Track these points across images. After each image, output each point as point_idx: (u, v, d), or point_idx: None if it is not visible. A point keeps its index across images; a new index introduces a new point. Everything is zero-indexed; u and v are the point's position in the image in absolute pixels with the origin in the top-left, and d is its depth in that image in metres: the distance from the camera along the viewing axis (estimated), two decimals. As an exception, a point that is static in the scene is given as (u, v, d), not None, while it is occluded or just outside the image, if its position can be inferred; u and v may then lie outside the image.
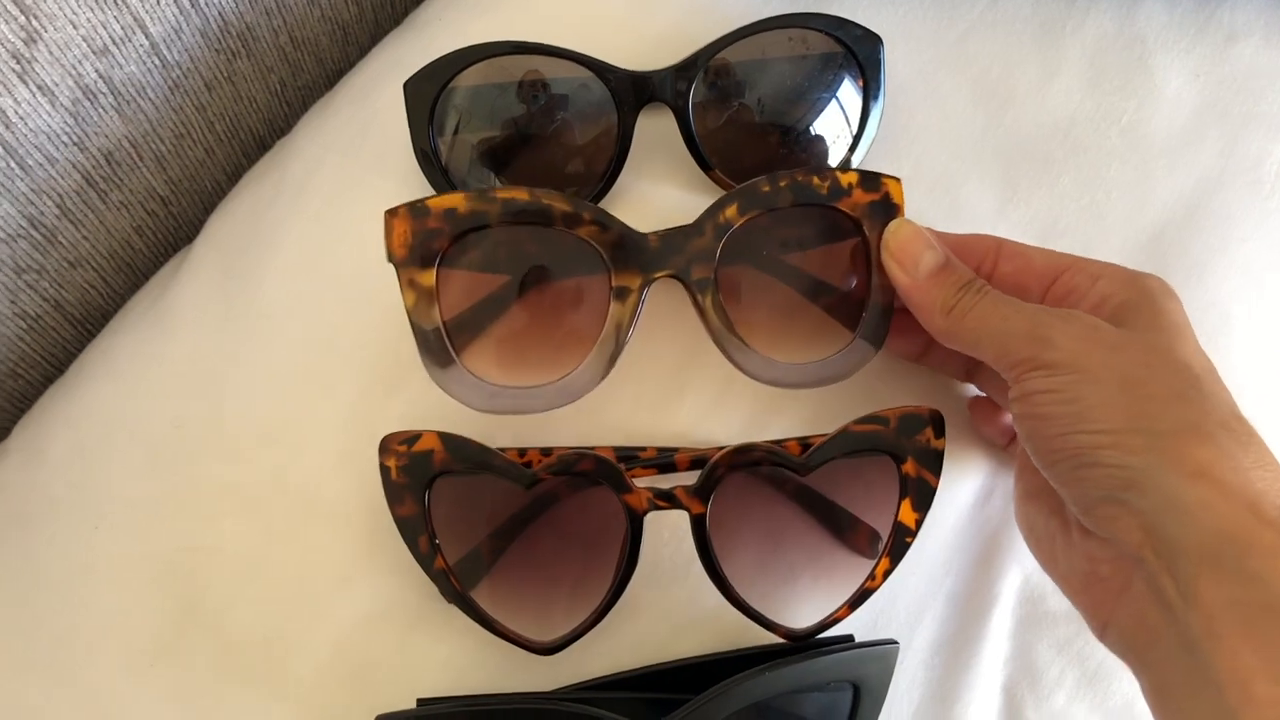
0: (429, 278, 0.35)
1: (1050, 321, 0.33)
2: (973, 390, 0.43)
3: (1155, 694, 0.32)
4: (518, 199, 0.35)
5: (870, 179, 0.37)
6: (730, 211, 0.36)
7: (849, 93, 0.43)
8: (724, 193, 0.42)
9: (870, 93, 0.43)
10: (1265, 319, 0.45)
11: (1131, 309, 0.34)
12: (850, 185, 0.37)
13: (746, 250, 0.37)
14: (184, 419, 0.40)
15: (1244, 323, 0.45)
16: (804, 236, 0.39)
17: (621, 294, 0.36)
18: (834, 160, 0.43)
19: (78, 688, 0.37)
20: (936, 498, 0.41)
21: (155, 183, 0.46)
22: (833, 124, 0.43)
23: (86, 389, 0.42)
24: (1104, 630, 0.34)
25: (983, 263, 0.38)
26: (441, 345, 0.36)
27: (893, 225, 0.37)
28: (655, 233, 0.36)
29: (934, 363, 0.41)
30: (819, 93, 0.42)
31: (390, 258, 0.35)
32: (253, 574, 0.38)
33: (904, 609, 0.41)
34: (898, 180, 0.38)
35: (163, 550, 0.39)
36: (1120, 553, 0.32)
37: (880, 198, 0.37)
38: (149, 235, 0.48)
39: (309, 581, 0.38)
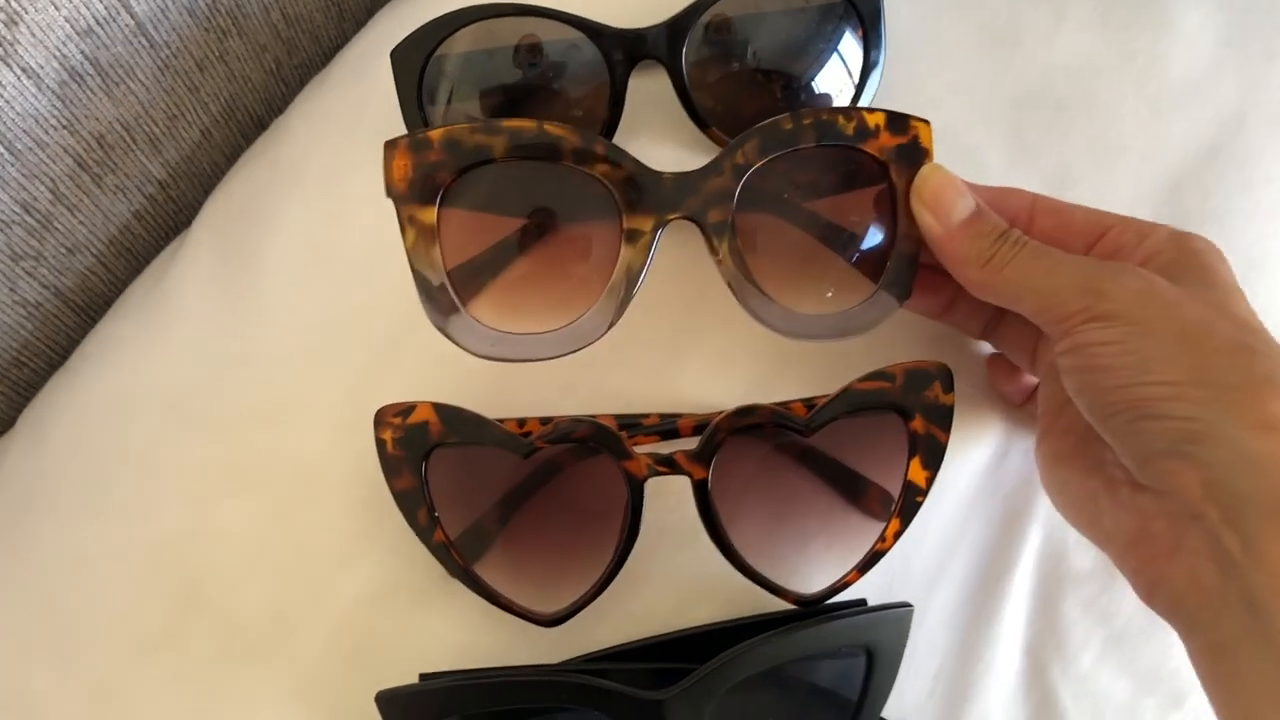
0: (430, 215, 0.33)
1: (1103, 274, 0.32)
2: (988, 348, 0.41)
3: (1209, 655, 0.30)
4: (525, 130, 0.33)
5: (898, 121, 0.35)
6: (749, 150, 0.34)
7: (849, 44, 0.41)
8: (721, 146, 0.41)
9: (871, 43, 0.41)
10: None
11: (1181, 267, 0.33)
12: (878, 126, 0.35)
13: (766, 193, 0.35)
14: (183, 402, 0.40)
15: (1275, 267, 0.43)
16: (826, 180, 0.36)
17: (633, 236, 0.34)
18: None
19: (82, 673, 0.37)
20: (950, 457, 0.40)
21: (151, 166, 0.45)
22: (833, 77, 0.41)
23: (87, 375, 0.42)
24: (1153, 589, 0.32)
25: (1017, 218, 0.36)
26: (442, 287, 0.33)
27: (925, 170, 0.35)
28: (670, 173, 0.34)
29: (955, 319, 0.40)
30: (818, 45, 0.41)
31: (389, 192, 0.33)
32: (255, 555, 0.38)
33: (920, 571, 0.40)
34: (927, 123, 0.36)
35: (165, 534, 0.38)
36: (1176, 508, 0.31)
37: (909, 141, 0.35)
38: (149, 220, 0.47)
39: (310, 561, 0.38)
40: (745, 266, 0.35)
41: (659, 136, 0.42)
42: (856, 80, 0.42)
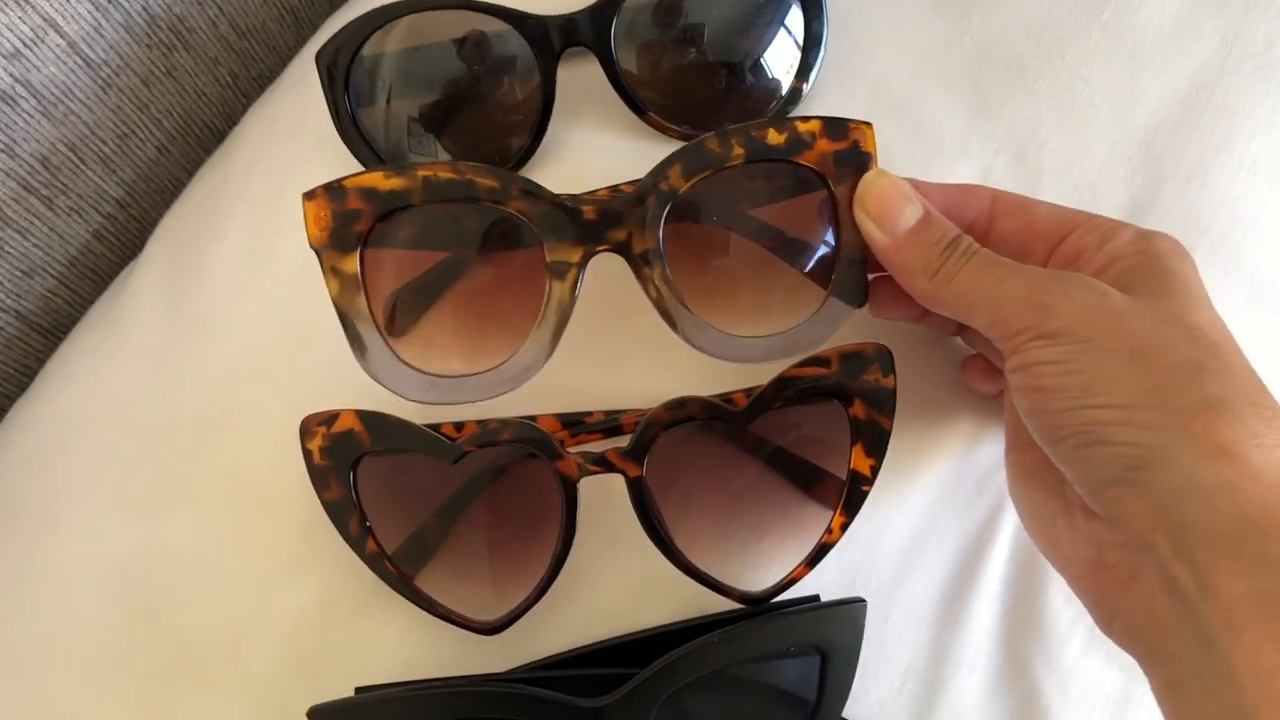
0: (352, 263, 0.33)
1: (1051, 286, 0.30)
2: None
3: (1166, 691, 0.29)
4: (439, 175, 0.32)
5: (835, 126, 0.33)
6: (674, 175, 0.33)
7: (792, 14, 0.40)
8: (662, 136, 0.40)
9: (813, 14, 0.40)
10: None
11: (1141, 273, 0.31)
12: (813, 135, 0.33)
13: (696, 215, 0.34)
14: (134, 418, 0.40)
15: (1264, 225, 0.41)
16: (762, 196, 0.35)
17: (559, 271, 0.33)
18: (782, 89, 0.40)
19: (35, 692, 0.37)
20: (919, 446, 0.39)
21: (106, 185, 0.46)
22: (776, 51, 0.40)
23: (44, 395, 0.42)
24: (1110, 622, 0.31)
25: (977, 220, 0.34)
26: (371, 335, 0.33)
27: (868, 177, 0.33)
28: (593, 203, 0.33)
29: (932, 321, 0.37)
30: (756, 17, 0.40)
31: (310, 243, 0.33)
32: (205, 571, 0.38)
33: (886, 564, 0.38)
34: (868, 125, 0.33)
35: (115, 551, 0.38)
36: (1129, 538, 0.29)
37: (848, 146, 0.33)
38: (110, 240, 0.47)
39: (257, 575, 0.38)
40: (678, 296, 0.33)
41: (597, 126, 0.41)
42: (801, 53, 0.40)
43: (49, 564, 0.39)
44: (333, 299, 0.33)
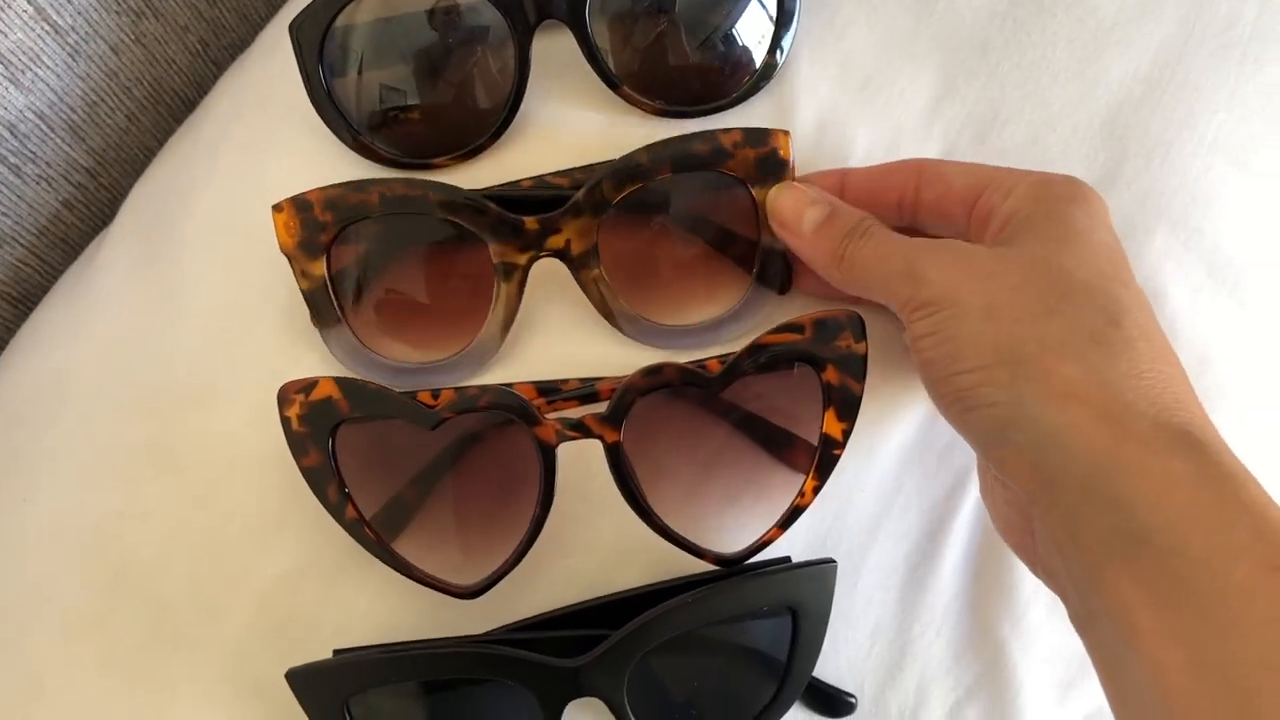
0: (319, 267, 0.37)
1: (921, 256, 0.32)
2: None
3: (1075, 629, 0.30)
4: (394, 191, 0.36)
5: (756, 135, 0.36)
6: (607, 186, 0.36)
7: (763, -8, 0.40)
8: (636, 110, 0.41)
9: (785, -11, 0.40)
10: (1251, 196, 0.42)
11: (1027, 223, 0.32)
12: (735, 145, 0.36)
13: (629, 221, 0.37)
14: (107, 387, 0.40)
15: (1224, 202, 0.42)
16: (690, 201, 0.38)
17: (507, 272, 0.37)
18: (754, 63, 0.41)
19: (10, 659, 0.37)
20: (885, 410, 0.40)
21: (75, 154, 0.45)
22: (749, 27, 0.40)
23: (15, 365, 0.42)
24: (1036, 571, 0.33)
25: (904, 195, 0.36)
26: (339, 327, 0.37)
27: (771, 194, 0.36)
28: (534, 215, 0.36)
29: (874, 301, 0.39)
30: (728, -6, 0.40)
31: (281, 249, 0.36)
32: (179, 537, 0.38)
33: (855, 527, 0.39)
34: (786, 133, 0.37)
35: (91, 518, 0.38)
36: (1020, 496, 0.30)
37: (768, 153, 0.36)
38: (80, 209, 0.47)
39: (233, 541, 0.38)
40: (614, 294, 0.38)
41: (571, 100, 0.41)
42: (773, 27, 0.40)
43: (24, 531, 0.39)
44: (304, 296, 0.37)
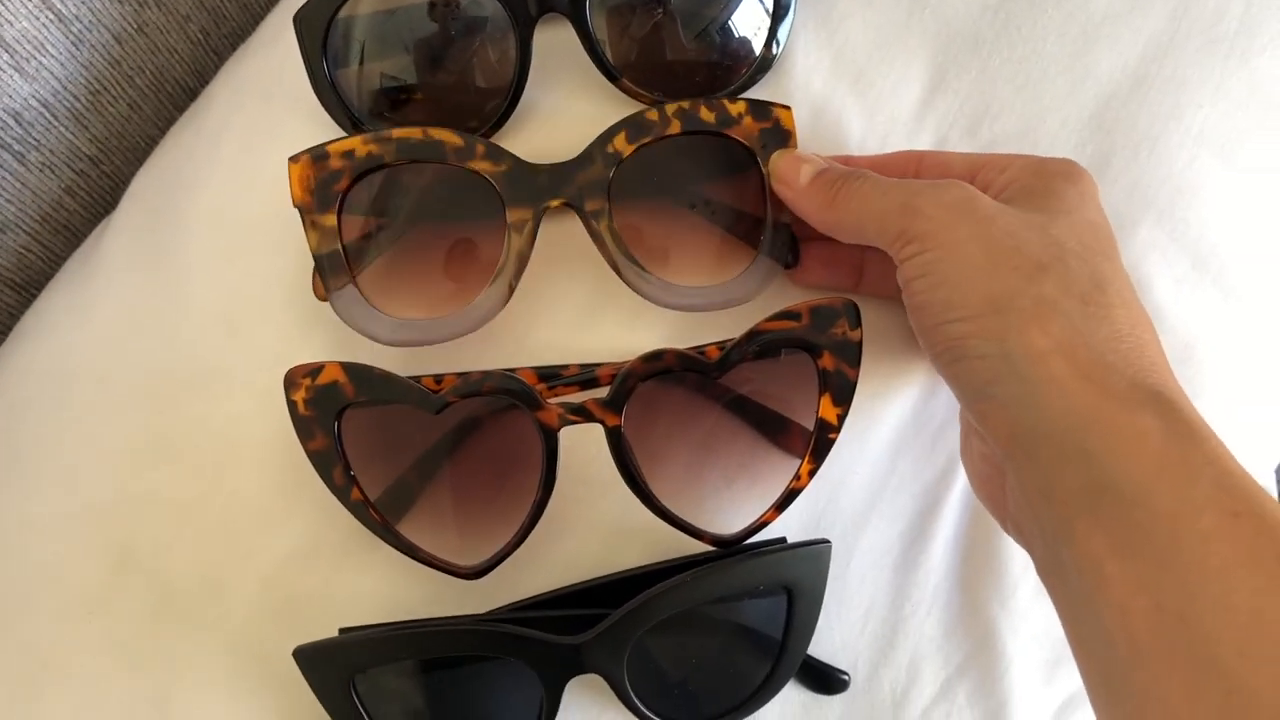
0: (331, 219, 0.36)
1: (924, 190, 0.32)
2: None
3: (1044, 585, 0.31)
4: (411, 138, 0.36)
5: (760, 108, 0.38)
6: (619, 140, 0.37)
7: (760, -15, 0.41)
8: (635, 103, 0.41)
9: (782, -17, 0.41)
10: (1235, 189, 0.43)
11: (1023, 189, 0.33)
12: (740, 114, 0.38)
13: (640, 178, 0.38)
14: (112, 373, 0.41)
15: (1209, 195, 0.43)
16: (699, 163, 0.39)
17: (518, 224, 0.37)
18: (751, 56, 0.41)
19: (17, 639, 0.38)
20: (878, 395, 0.40)
21: (79, 141, 0.46)
22: (746, 19, 0.41)
23: (22, 351, 0.43)
24: (1005, 525, 0.34)
25: (905, 175, 0.37)
26: (346, 282, 0.37)
27: (774, 157, 0.38)
28: (547, 165, 0.37)
29: (869, 290, 0.40)
30: (726, -12, 0.41)
31: (294, 202, 0.36)
32: (184, 519, 0.39)
33: (849, 509, 0.40)
34: (788, 108, 0.38)
35: (97, 501, 0.39)
36: (996, 451, 0.31)
37: (771, 125, 0.38)
38: (82, 196, 0.48)
39: (237, 522, 0.38)
40: (624, 246, 0.37)
41: (571, 91, 0.41)
42: (770, 21, 0.41)
43: (29, 515, 0.39)
44: (312, 251, 0.37)
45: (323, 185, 0.36)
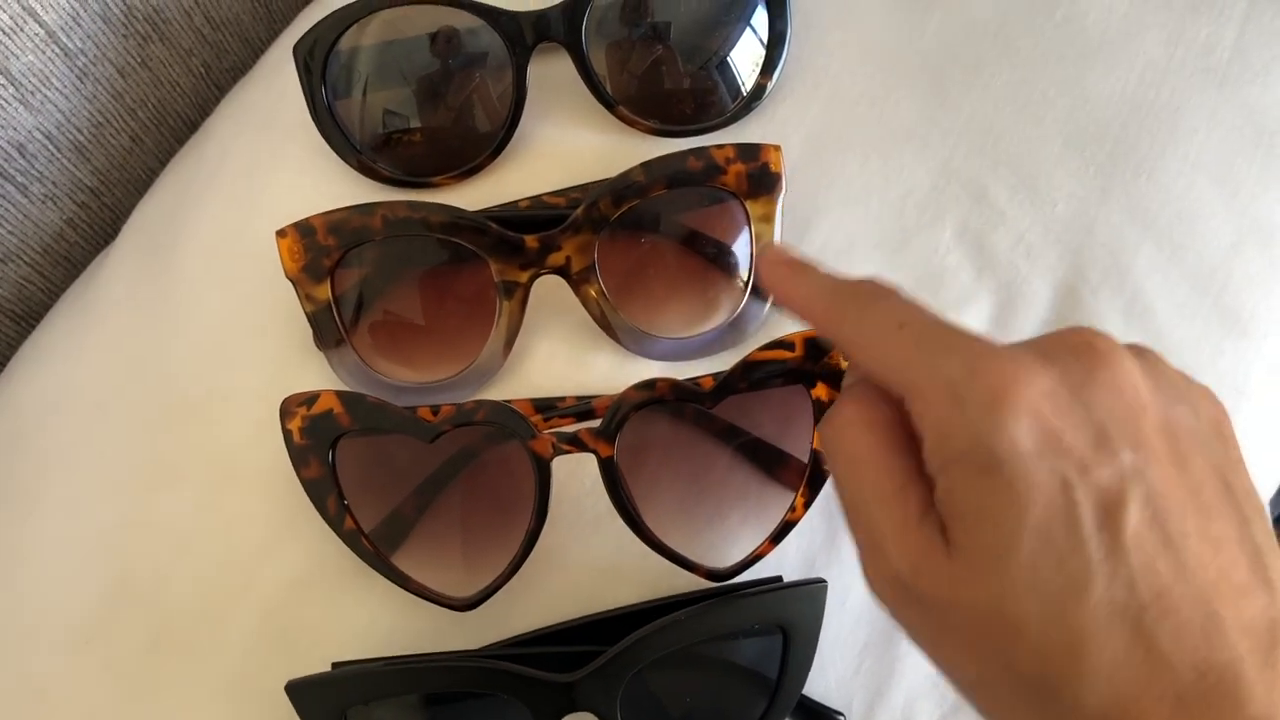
0: (324, 290, 0.37)
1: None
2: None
3: None
4: (396, 214, 0.37)
5: (748, 150, 0.37)
6: (604, 203, 0.37)
7: (756, 13, 0.41)
8: (632, 130, 0.41)
9: (777, 13, 0.41)
10: (1236, 214, 0.43)
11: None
12: (727, 161, 0.37)
13: (626, 237, 0.38)
14: (110, 401, 0.41)
15: (1205, 219, 0.43)
16: (685, 215, 0.39)
17: (509, 290, 0.38)
18: (747, 84, 0.41)
19: (13, 670, 0.37)
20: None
21: (80, 174, 0.46)
22: (741, 48, 0.41)
23: (19, 379, 0.43)
24: None
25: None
26: (344, 349, 0.38)
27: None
28: (535, 234, 0.37)
29: None
30: (723, 16, 0.41)
31: (286, 275, 0.37)
32: (182, 547, 0.38)
33: (846, 546, 0.39)
34: (777, 148, 0.38)
35: (94, 529, 0.39)
36: None
37: (760, 167, 0.38)
38: (83, 228, 0.48)
39: (235, 551, 0.38)
40: (613, 308, 0.38)
41: (568, 121, 0.42)
42: (765, 50, 0.41)
43: (27, 543, 0.39)
44: (308, 318, 0.38)
45: (312, 258, 0.37)
